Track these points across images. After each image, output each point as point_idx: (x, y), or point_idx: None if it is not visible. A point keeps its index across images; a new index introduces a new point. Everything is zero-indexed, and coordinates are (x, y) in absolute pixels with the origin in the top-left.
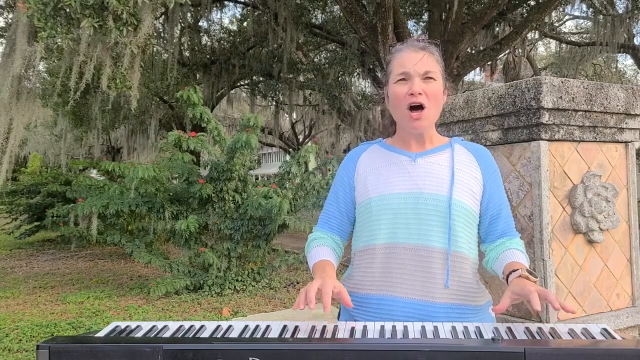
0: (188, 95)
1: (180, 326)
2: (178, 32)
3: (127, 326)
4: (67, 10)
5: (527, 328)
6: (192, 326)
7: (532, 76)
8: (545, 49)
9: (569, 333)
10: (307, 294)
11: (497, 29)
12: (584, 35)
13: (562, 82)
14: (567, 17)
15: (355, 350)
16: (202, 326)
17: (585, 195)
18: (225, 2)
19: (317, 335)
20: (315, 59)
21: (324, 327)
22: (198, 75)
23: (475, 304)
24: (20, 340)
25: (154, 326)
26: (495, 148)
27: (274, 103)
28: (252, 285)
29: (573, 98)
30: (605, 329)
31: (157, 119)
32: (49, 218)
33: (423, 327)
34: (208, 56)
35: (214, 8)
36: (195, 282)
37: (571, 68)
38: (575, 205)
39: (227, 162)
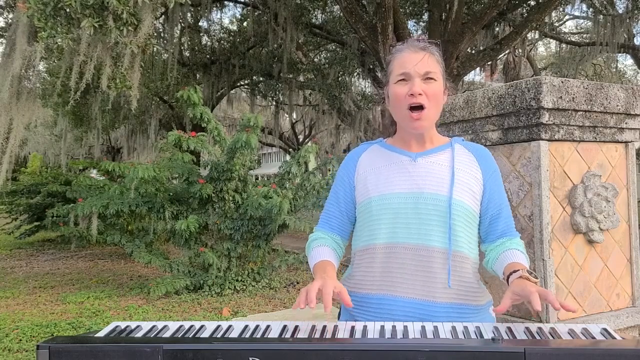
0: (188, 95)
1: (180, 326)
2: (178, 32)
3: (127, 326)
4: (67, 10)
5: (527, 328)
6: (192, 326)
7: (532, 76)
8: (545, 49)
9: (569, 333)
10: (307, 293)
11: (497, 29)
12: (584, 35)
13: (562, 82)
14: (567, 17)
15: (355, 350)
16: (202, 326)
17: (585, 195)
18: (225, 2)
19: (317, 335)
20: (315, 59)
21: (324, 327)
22: (198, 75)
23: (476, 303)
24: (20, 340)
25: (154, 326)
26: (495, 148)
27: (274, 103)
28: (252, 285)
29: (573, 98)
30: (605, 329)
31: (157, 119)
32: (49, 218)
33: (423, 327)
34: (208, 56)
35: (214, 8)
36: (195, 282)
37: (571, 68)
38: (575, 205)
39: (227, 162)
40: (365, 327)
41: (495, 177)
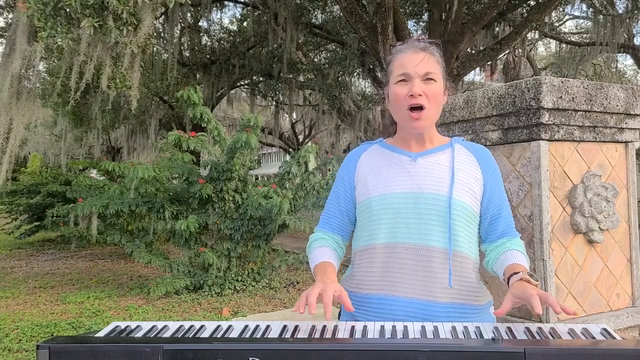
0: (188, 95)
1: (180, 326)
2: (178, 32)
3: (127, 326)
4: (67, 10)
5: (527, 328)
6: (192, 326)
7: (532, 76)
8: (545, 49)
9: (569, 333)
10: (308, 298)
11: (497, 29)
12: (584, 35)
13: (562, 82)
14: (567, 17)
15: (355, 350)
16: (202, 326)
17: (585, 195)
18: (225, 2)
19: (317, 335)
20: (315, 59)
21: (324, 327)
22: (198, 75)
23: (477, 303)
24: (20, 340)
25: (154, 326)
26: (495, 148)
27: (274, 103)
28: (252, 285)
29: (573, 98)
30: (605, 329)
31: (157, 119)
32: (49, 218)
33: (423, 327)
34: (208, 56)
35: (214, 8)
36: (195, 282)
37: (571, 68)
38: (575, 205)
39: (227, 162)
40: (365, 327)
41: (495, 177)
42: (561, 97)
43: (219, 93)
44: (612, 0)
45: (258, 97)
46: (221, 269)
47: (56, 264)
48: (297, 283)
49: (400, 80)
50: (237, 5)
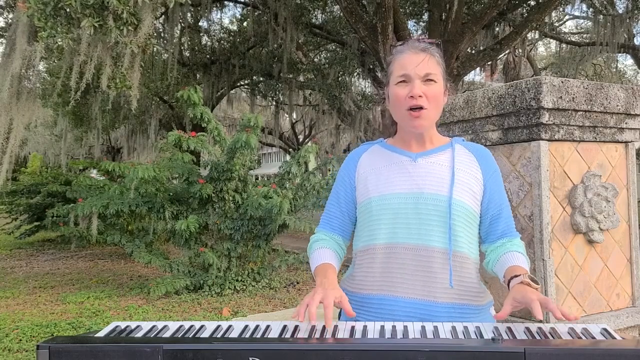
0: (188, 95)
1: (180, 326)
2: (178, 32)
3: (127, 326)
4: (68, 9)
5: (527, 328)
6: (192, 326)
7: (532, 76)
8: (545, 49)
9: (569, 333)
10: (309, 307)
11: (497, 29)
12: (584, 35)
13: (562, 82)
14: (567, 17)
15: (355, 350)
16: (202, 326)
17: (585, 195)
18: (225, 2)
19: (317, 335)
20: (315, 59)
21: (324, 327)
22: (198, 75)
23: (477, 303)
24: (20, 340)
25: (154, 326)
26: (495, 148)
27: (274, 103)
28: (252, 285)
29: (573, 98)
30: (605, 329)
31: (157, 119)
32: (49, 218)
33: (423, 327)
34: (208, 56)
35: (214, 8)
36: (195, 282)
37: (571, 68)
38: (575, 205)
39: (227, 162)
40: (365, 327)
41: (495, 178)
42: (561, 97)
43: (219, 93)
44: (612, 0)
45: (258, 97)
46: (221, 269)
47: (56, 264)
48: (297, 283)
49: (401, 82)
50: (237, 5)
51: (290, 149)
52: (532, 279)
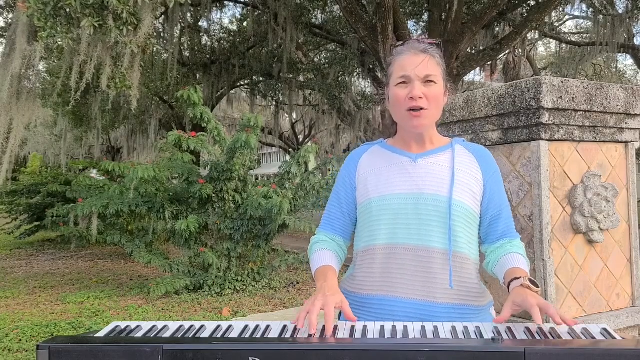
0: (188, 95)
1: (180, 326)
2: (178, 32)
3: (127, 326)
4: (67, 9)
5: (527, 328)
6: (192, 326)
7: (532, 76)
8: (545, 49)
9: (569, 333)
10: (309, 315)
11: (497, 29)
12: (584, 35)
13: (562, 82)
14: (567, 17)
15: (355, 350)
16: (202, 326)
17: (585, 195)
18: (225, 2)
19: (317, 335)
20: (315, 59)
21: (324, 326)
22: (198, 75)
23: (477, 304)
24: (20, 340)
25: (154, 326)
26: (495, 148)
27: (274, 103)
28: (252, 285)
29: (573, 98)
30: (605, 329)
31: (157, 119)
32: (49, 218)
33: (423, 327)
34: (208, 56)
35: (214, 8)
36: (195, 282)
37: (571, 68)
38: (575, 205)
39: (227, 162)
40: (365, 327)
41: (495, 178)
42: (561, 97)
43: (219, 93)
44: (612, 0)
45: (258, 97)
46: (221, 269)
47: (56, 264)
48: (297, 283)
49: (401, 83)
50: (237, 5)
51: (290, 149)
52: (532, 281)
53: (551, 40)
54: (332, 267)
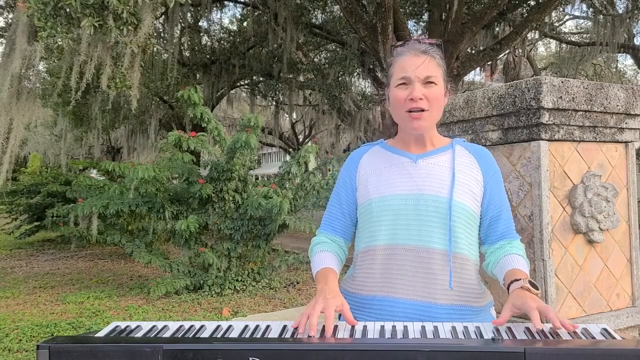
0: (189, 95)
1: (180, 326)
2: (178, 32)
3: (127, 326)
4: (68, 9)
5: (527, 328)
6: (192, 326)
7: (532, 76)
8: (545, 49)
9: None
10: (309, 319)
11: (497, 29)
12: (584, 35)
13: (562, 82)
14: (567, 17)
15: (355, 350)
16: (202, 326)
17: (585, 195)
18: (225, 2)
19: (317, 336)
20: (315, 59)
21: (324, 326)
22: (198, 75)
23: (477, 304)
24: (20, 340)
25: (154, 326)
26: (495, 148)
27: (274, 103)
28: (252, 285)
29: (573, 98)
30: (605, 329)
31: (157, 119)
32: (49, 218)
33: (423, 327)
34: (208, 56)
35: (214, 8)
36: (195, 282)
37: (571, 68)
38: (575, 205)
39: (227, 162)
40: (365, 327)
41: (495, 179)
42: (561, 97)
43: (219, 93)
44: (612, 0)
45: (258, 97)
46: (221, 269)
47: (56, 264)
48: (297, 283)
49: (401, 84)
50: (237, 5)
51: (290, 149)
52: (532, 283)
53: (551, 40)
54: (333, 270)
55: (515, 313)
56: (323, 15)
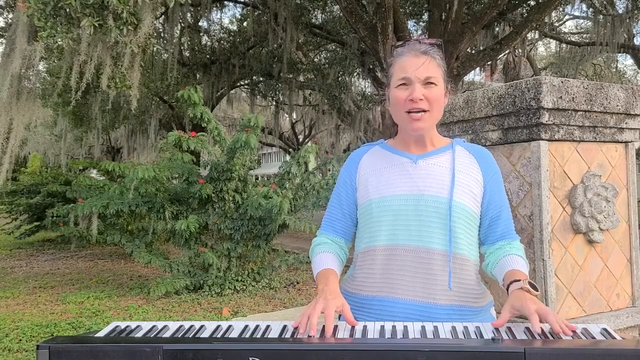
0: (189, 95)
1: (180, 326)
2: (178, 32)
3: (127, 326)
4: (67, 9)
5: (527, 328)
6: (192, 326)
7: (532, 76)
8: (545, 49)
9: None
10: (310, 319)
11: (497, 29)
12: (584, 35)
13: (562, 82)
14: (567, 17)
15: (355, 350)
16: (202, 326)
17: (585, 195)
18: (225, 2)
19: (317, 335)
20: (315, 59)
21: (324, 326)
22: (198, 75)
23: (476, 305)
24: (20, 340)
25: (154, 326)
26: (495, 148)
27: (274, 103)
28: (252, 285)
29: (573, 98)
30: (605, 329)
31: (157, 119)
32: (49, 218)
33: (423, 327)
34: (208, 56)
35: (214, 8)
36: (195, 282)
37: (571, 68)
38: (575, 205)
39: (227, 162)
40: (365, 327)
41: (496, 179)
42: (561, 97)
43: (219, 93)
44: (612, 0)
45: (258, 97)
46: (221, 269)
47: (56, 264)
48: (297, 283)
49: (401, 84)
50: (237, 5)
51: (290, 149)
52: (531, 284)
53: (551, 40)
54: (334, 270)
55: (514, 314)
56: (323, 15)
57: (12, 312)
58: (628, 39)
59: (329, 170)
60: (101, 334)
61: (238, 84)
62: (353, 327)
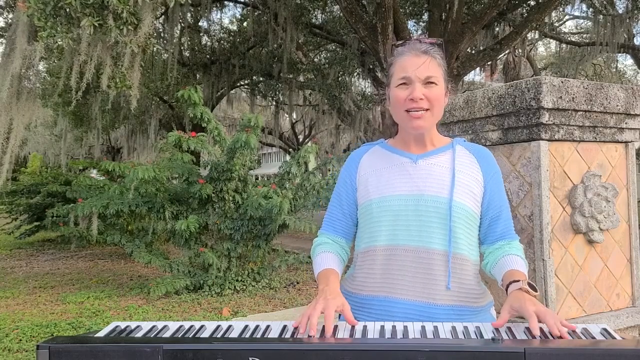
0: (189, 95)
1: (180, 326)
2: (178, 32)
3: (127, 326)
4: (67, 9)
5: (527, 328)
6: (192, 326)
7: (532, 76)
8: (545, 49)
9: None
10: (310, 319)
11: (497, 29)
12: (584, 35)
13: (562, 82)
14: (567, 17)
15: (355, 350)
16: (202, 326)
17: (585, 195)
18: (225, 2)
19: (317, 335)
20: (315, 59)
21: (324, 326)
22: (198, 75)
23: (476, 305)
24: (20, 340)
25: (154, 326)
26: (495, 148)
27: (274, 103)
28: (252, 285)
29: (573, 98)
30: (605, 329)
31: (157, 119)
32: (49, 218)
33: (423, 327)
34: (208, 56)
35: (214, 8)
36: (195, 282)
37: (571, 68)
38: (575, 205)
39: (227, 162)
40: (365, 327)
41: (496, 179)
42: (561, 97)
43: (219, 93)
44: (612, 0)
45: (258, 97)
46: (221, 269)
47: (56, 264)
48: (297, 283)
49: (401, 84)
50: (237, 5)
51: (290, 149)
52: (530, 285)
53: (551, 40)
54: (334, 271)
55: (514, 315)
56: (323, 15)
57: (12, 312)
58: (628, 39)
59: (329, 170)
60: (101, 334)
61: (238, 84)
62: (353, 327)
